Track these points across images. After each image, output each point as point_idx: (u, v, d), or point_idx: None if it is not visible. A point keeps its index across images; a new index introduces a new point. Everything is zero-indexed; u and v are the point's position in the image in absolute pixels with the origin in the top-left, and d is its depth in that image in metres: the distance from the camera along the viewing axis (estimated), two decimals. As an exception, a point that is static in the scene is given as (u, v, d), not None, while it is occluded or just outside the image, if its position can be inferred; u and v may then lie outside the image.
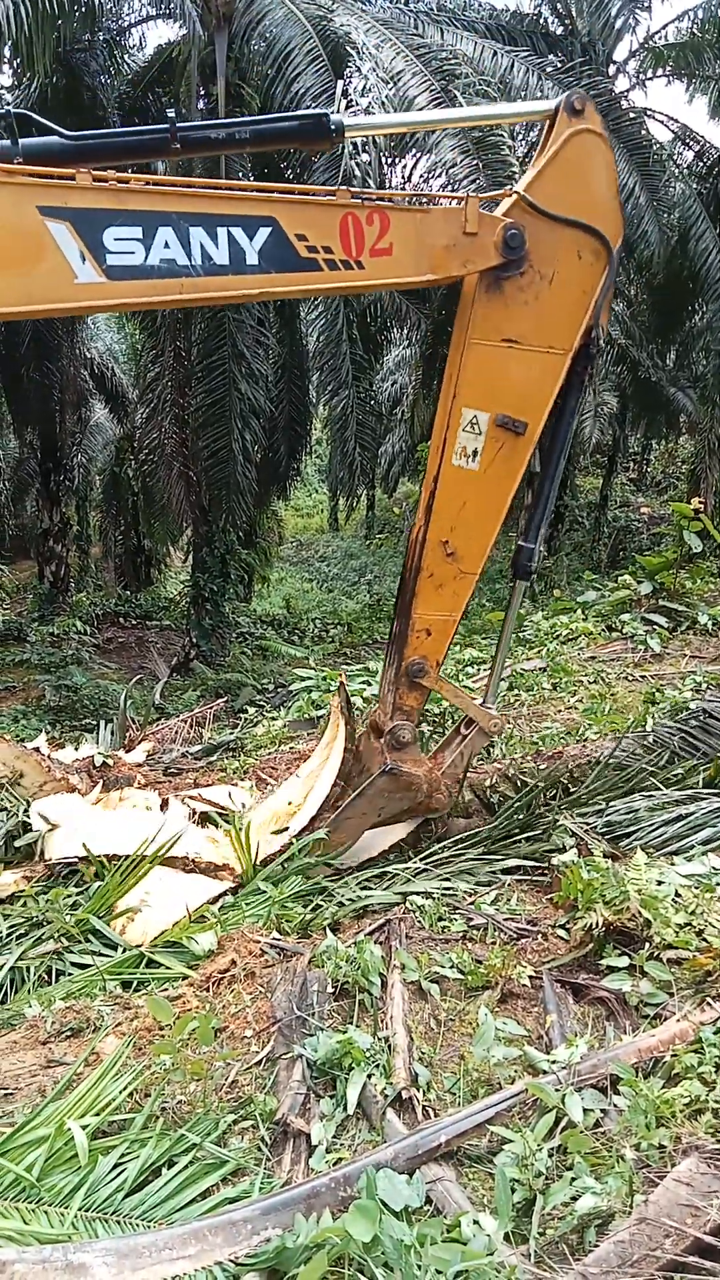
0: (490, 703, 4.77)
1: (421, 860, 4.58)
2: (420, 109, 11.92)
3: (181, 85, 14.36)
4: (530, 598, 15.89)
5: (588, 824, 4.66)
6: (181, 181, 3.96)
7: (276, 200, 3.77)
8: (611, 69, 17.22)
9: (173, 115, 3.80)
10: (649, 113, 17.11)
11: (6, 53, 11.89)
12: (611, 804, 4.83)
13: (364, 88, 11.90)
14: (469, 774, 4.98)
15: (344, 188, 3.89)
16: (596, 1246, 2.25)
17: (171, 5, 13.18)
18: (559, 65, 15.08)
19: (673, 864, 4.05)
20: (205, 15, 13.59)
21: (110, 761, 6.66)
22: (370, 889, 4.34)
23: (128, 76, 15.50)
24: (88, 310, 3.77)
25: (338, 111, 3.96)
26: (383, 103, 11.68)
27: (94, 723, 10.35)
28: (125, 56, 15.79)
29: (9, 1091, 3.04)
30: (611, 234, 4.17)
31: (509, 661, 7.92)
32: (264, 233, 3.66)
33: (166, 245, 3.53)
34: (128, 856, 4.53)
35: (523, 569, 4.67)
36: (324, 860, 4.58)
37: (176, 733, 8.62)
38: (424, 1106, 2.87)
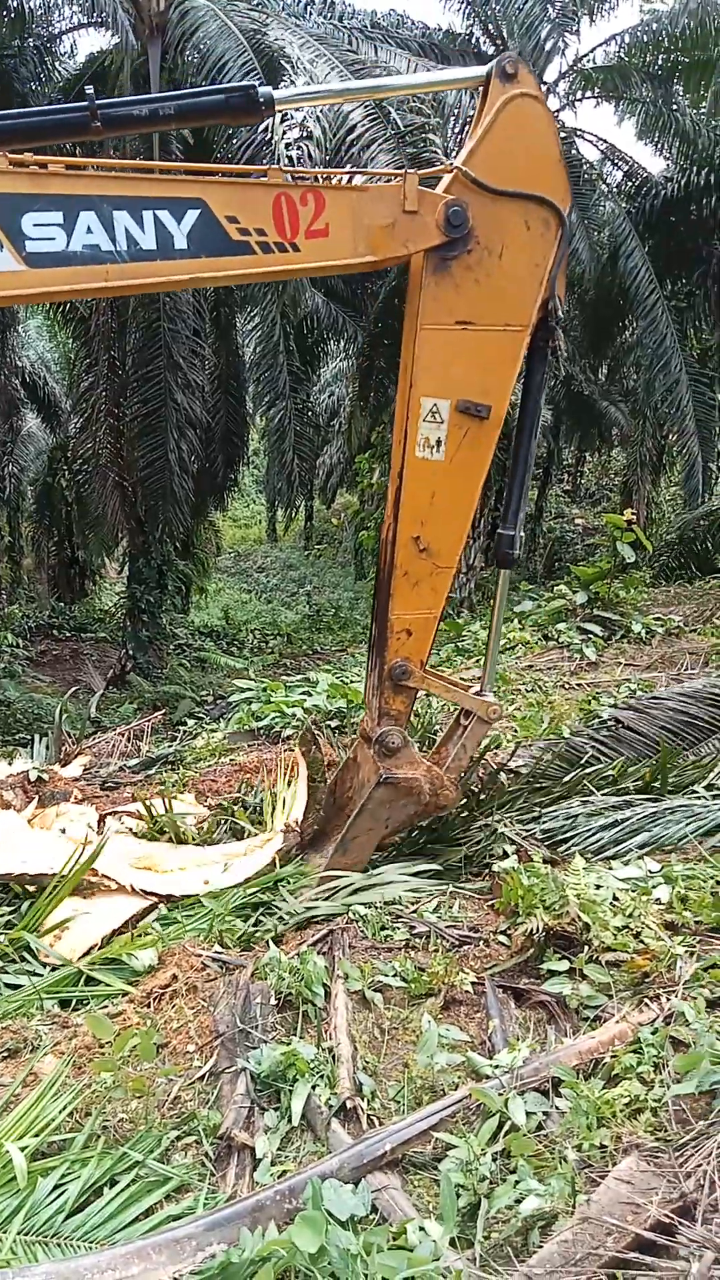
0: (487, 691, 4.62)
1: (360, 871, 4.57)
2: (355, 124, 12.04)
3: (114, 94, 14.26)
4: (469, 608, 16.05)
5: (526, 830, 4.72)
6: (105, 164, 3.79)
7: (205, 181, 3.65)
8: (543, 90, 17.57)
9: (91, 92, 3.60)
10: (579, 133, 17.50)
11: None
12: (548, 810, 4.90)
13: (298, 102, 11.95)
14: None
15: (276, 166, 3.75)
16: (540, 1248, 2.28)
17: (104, 14, 13.08)
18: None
19: (610, 868, 4.12)
20: (138, 25, 13.53)
21: (46, 776, 6.54)
22: (313, 900, 4.33)
23: (59, 84, 15.32)
24: (9, 300, 3.60)
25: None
26: (317, 117, 11.77)
27: (28, 737, 10.14)
28: (56, 64, 15.63)
29: (-56, 1116, 2.96)
30: (560, 199, 4.00)
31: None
32: (192, 215, 3.52)
33: (89, 230, 3.40)
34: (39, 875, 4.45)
35: (505, 556, 4.52)
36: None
37: (114, 746, 8.52)
38: (369, 1115, 2.87)
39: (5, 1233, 2.44)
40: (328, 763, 5.11)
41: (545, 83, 17.18)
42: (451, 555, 4.30)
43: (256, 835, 5.11)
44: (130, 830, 5.33)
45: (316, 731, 5.23)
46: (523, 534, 4.65)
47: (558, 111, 17.47)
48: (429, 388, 4.06)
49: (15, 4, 12.23)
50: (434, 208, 3.84)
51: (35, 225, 3.35)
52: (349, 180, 4.74)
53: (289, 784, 5.39)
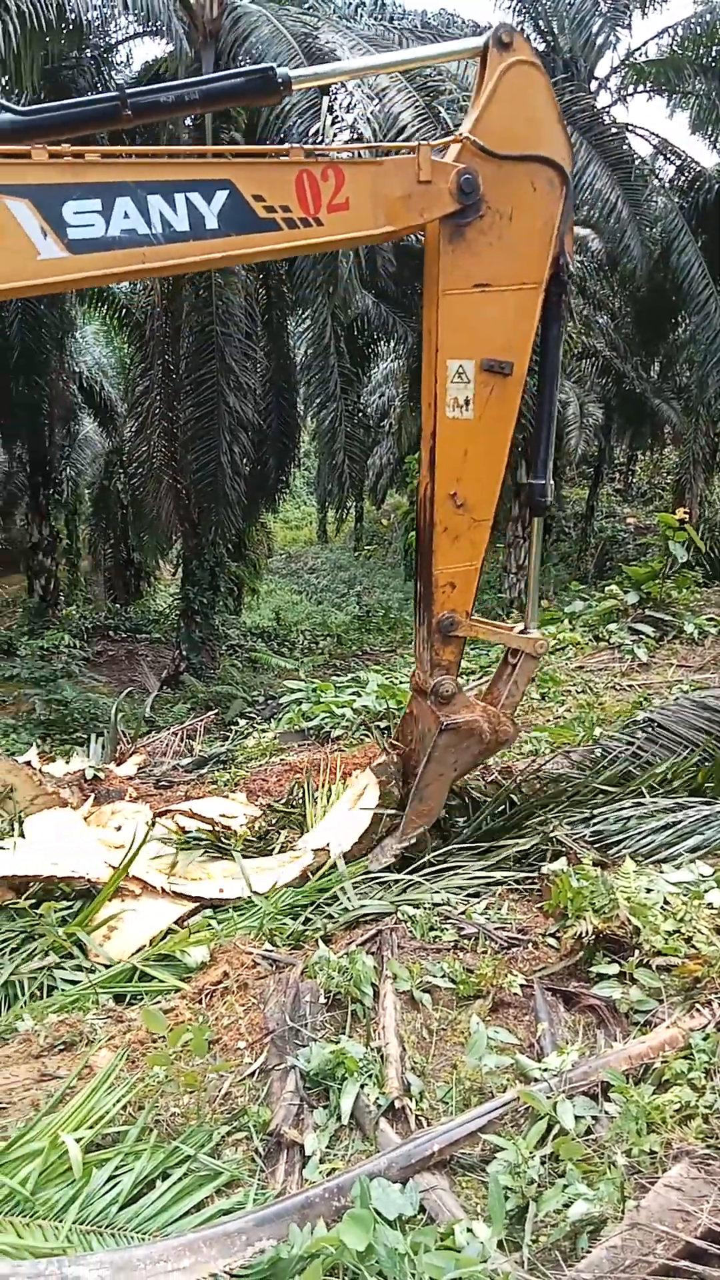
0: (531, 628, 4.79)
1: (407, 873, 4.58)
2: (405, 124, 12.05)
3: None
4: (518, 608, 15.96)
5: (576, 832, 4.70)
6: (137, 150, 3.92)
7: (231, 163, 3.77)
8: (593, 85, 17.40)
9: (121, 83, 3.79)
10: (630, 128, 17.29)
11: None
12: (600, 812, 4.87)
13: (349, 104, 12.01)
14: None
15: (297, 145, 3.82)
16: (589, 1253, 2.27)
17: (159, 23, 13.26)
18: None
19: (661, 872, 4.08)
20: (192, 32, 13.69)
21: (101, 775, 6.66)
22: (364, 899, 4.34)
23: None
24: (53, 287, 3.72)
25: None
26: (368, 119, 11.80)
27: (84, 736, 10.33)
28: (113, 73, 15.88)
29: (2, 1106, 3.04)
30: (562, 158, 4.18)
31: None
32: (221, 196, 3.64)
33: (126, 215, 3.52)
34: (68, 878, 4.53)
35: (537, 505, 4.72)
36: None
37: (167, 746, 8.62)
38: (417, 1116, 2.88)
39: (61, 1222, 2.50)
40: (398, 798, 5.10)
41: (596, 78, 17.05)
42: (488, 508, 4.46)
43: (286, 851, 5.11)
44: (171, 833, 5.36)
45: (395, 766, 5.09)
46: (552, 482, 4.83)
47: (609, 106, 17.33)
48: (454, 350, 4.23)
49: (74, 16, 12.44)
50: (447, 176, 3.99)
51: (75, 213, 3.46)
52: (365, 155, 4.91)
53: (343, 792, 5.37)
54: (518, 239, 4.17)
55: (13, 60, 10.99)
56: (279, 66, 3.87)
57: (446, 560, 4.46)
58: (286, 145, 3.92)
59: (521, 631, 4.78)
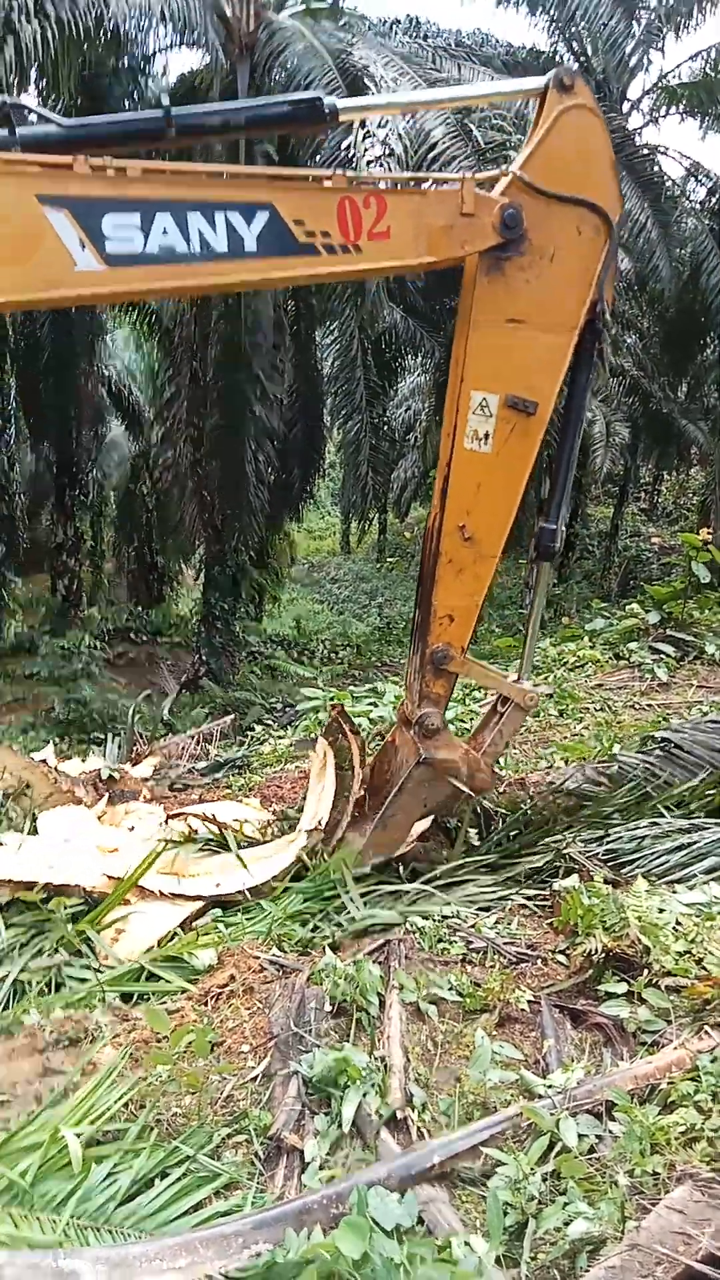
0: (524, 679, 4.73)
1: (419, 884, 4.56)
2: (436, 141, 12.12)
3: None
4: (540, 625, 15.92)
5: (590, 850, 4.67)
6: (178, 167, 3.95)
7: (274, 185, 3.77)
8: (625, 106, 17.44)
9: (168, 102, 3.76)
10: (661, 149, 17.32)
11: (33, 74, 12.11)
12: (614, 830, 4.84)
13: (381, 120, 12.09)
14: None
15: (340, 171, 3.81)
16: (587, 1271, 2.24)
17: (195, 34, 13.42)
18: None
19: (675, 892, 4.05)
20: (228, 45, 13.85)
21: (116, 775, 6.69)
22: (372, 909, 4.33)
23: (151, 102, 15.75)
24: (88, 299, 3.76)
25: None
26: (399, 135, 11.87)
27: (102, 736, 10.38)
28: (149, 82, 16.06)
29: (5, 1098, 3.05)
30: (610, 207, 4.14)
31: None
32: (261, 218, 3.63)
33: (165, 232, 3.51)
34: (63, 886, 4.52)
35: (545, 550, 4.66)
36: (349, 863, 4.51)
37: (183, 749, 8.66)
38: (418, 1127, 2.86)
39: (59, 1215, 2.50)
40: (359, 745, 5.14)
41: (628, 99, 17.08)
42: (495, 544, 4.40)
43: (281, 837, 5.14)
44: (182, 835, 5.37)
45: (342, 718, 5.21)
46: (564, 529, 4.78)
47: (641, 128, 17.36)
48: (479, 382, 4.20)
49: (112, 25, 12.62)
50: (490, 210, 3.96)
51: (115, 227, 3.46)
52: (409, 185, 4.91)
53: (320, 779, 5.40)
54: (556, 280, 4.13)
55: (51, 66, 11.14)
56: (325, 96, 3.84)
57: (448, 593, 4.40)
58: (330, 170, 3.91)
59: (515, 681, 4.70)
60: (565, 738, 7.20)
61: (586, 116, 4.08)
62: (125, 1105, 2.90)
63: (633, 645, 9.67)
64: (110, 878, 4.65)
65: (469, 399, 4.20)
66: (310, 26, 13.61)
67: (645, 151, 15.55)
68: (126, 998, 3.82)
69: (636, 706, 7.99)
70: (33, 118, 3.76)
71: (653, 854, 4.58)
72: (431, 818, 4.86)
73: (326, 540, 40.86)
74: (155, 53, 15.84)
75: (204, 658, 16.74)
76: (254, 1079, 3.07)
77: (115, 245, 3.48)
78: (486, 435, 4.22)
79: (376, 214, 3.79)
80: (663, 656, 9.16)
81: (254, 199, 3.67)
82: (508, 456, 4.27)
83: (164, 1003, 3.64)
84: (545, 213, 4.05)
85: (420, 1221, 2.47)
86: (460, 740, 4.69)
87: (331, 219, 3.73)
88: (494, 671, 4.81)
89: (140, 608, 24.37)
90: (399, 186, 4.35)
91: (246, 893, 4.59)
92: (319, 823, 4.81)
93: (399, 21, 17.32)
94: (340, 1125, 2.84)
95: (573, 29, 16.60)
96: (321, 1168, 2.70)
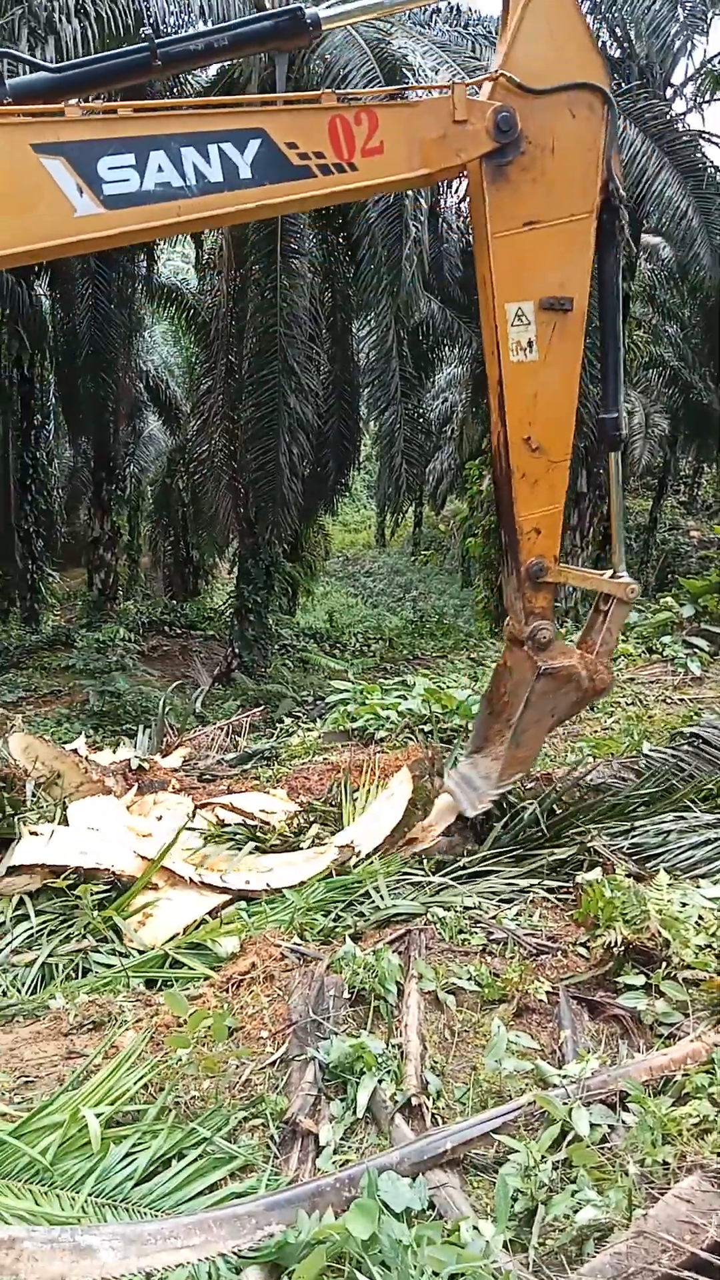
0: (620, 571, 4.73)
1: (441, 875, 4.58)
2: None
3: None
4: (574, 619, 15.80)
5: (615, 844, 4.65)
6: (169, 104, 3.93)
7: (263, 111, 3.77)
8: (668, 91, 17.18)
9: (150, 33, 3.76)
10: (705, 136, 17.02)
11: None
12: (640, 824, 4.82)
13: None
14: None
15: (328, 90, 3.76)
16: (594, 1257, 2.26)
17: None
18: (615, 88, 15.03)
19: (698, 887, 4.03)
20: (266, 38, 13.84)
21: (146, 765, 6.78)
22: (396, 899, 4.35)
23: (190, 96, 15.82)
24: (90, 245, 3.70)
25: (319, 34, 3.86)
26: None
27: (135, 728, 10.50)
28: (189, 77, 16.10)
29: (29, 1079, 3.13)
30: (599, 78, 4.06)
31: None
32: (254, 145, 3.64)
33: (160, 169, 3.53)
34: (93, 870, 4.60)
35: (612, 440, 4.69)
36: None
37: (213, 740, 8.73)
38: (433, 1114, 2.90)
39: (78, 1193, 2.56)
40: (432, 795, 5.16)
41: (672, 84, 16.84)
42: (563, 449, 4.40)
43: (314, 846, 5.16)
44: (210, 825, 5.43)
45: (432, 764, 5.21)
46: (625, 414, 4.74)
47: (684, 114, 17.09)
48: (510, 293, 4.18)
49: (150, 20, 12.67)
50: (483, 115, 3.94)
51: (110, 169, 3.49)
52: (399, 97, 4.85)
53: (378, 793, 5.41)
54: (562, 171, 4.07)
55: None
56: (306, 6, 3.80)
57: (528, 506, 4.41)
58: (318, 92, 3.86)
59: (612, 576, 4.70)
60: (595, 732, 7.17)
61: None
62: (145, 1087, 2.96)
63: (666, 639, 9.58)
64: (143, 858, 4.72)
65: (505, 312, 4.18)
66: (347, 17, 13.58)
67: (686, 138, 15.30)
68: (150, 983, 3.89)
69: (668, 701, 7.93)
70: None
71: (677, 848, 4.57)
72: (456, 814, 4.88)
73: (362, 533, 40.87)
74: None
75: (236, 650, 16.83)
76: (272, 1064, 3.12)
77: (113, 187, 3.50)
78: (530, 343, 4.21)
79: (369, 130, 3.78)
80: (696, 650, 9.07)
81: (245, 125, 3.68)
82: (556, 358, 4.26)
83: (186, 989, 3.70)
84: (536, 107, 3.99)
85: (431, 1206, 2.50)
86: (572, 645, 4.74)
87: (324, 139, 3.73)
88: (591, 573, 4.86)
89: (175, 601, 24.58)
90: (390, 99, 4.26)
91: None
92: (355, 848, 4.81)
93: (439, 10, 17.18)
94: (355, 1111, 2.88)
95: (614, 13, 16.36)
96: (336, 1152, 2.75)
